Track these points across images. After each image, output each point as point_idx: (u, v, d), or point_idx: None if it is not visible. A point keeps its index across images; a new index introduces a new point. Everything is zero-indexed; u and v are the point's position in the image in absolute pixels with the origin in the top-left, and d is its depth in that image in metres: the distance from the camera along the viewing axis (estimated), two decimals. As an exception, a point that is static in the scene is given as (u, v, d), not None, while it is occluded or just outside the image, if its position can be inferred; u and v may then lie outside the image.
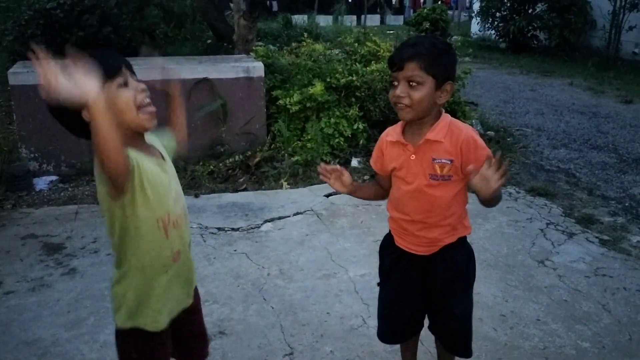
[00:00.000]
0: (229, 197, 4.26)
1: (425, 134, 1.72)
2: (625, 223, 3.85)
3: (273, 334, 2.55)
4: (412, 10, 23.51)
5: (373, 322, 2.61)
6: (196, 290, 1.73)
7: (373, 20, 22.09)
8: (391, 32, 13.10)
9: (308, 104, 4.82)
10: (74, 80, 1.18)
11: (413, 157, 1.75)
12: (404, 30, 11.84)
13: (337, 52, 5.65)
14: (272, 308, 2.76)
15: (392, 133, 1.83)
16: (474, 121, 5.70)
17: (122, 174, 1.32)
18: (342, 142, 4.85)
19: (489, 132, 5.82)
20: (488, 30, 14.07)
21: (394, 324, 2.00)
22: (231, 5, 7.79)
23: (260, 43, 6.59)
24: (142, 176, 1.41)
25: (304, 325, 2.62)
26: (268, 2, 11.56)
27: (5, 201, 4.09)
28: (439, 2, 19.34)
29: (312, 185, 4.45)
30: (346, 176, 1.88)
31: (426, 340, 2.27)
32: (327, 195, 4.19)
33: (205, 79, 4.77)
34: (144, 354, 1.58)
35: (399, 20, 24.56)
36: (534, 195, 4.32)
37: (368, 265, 3.13)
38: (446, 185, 1.74)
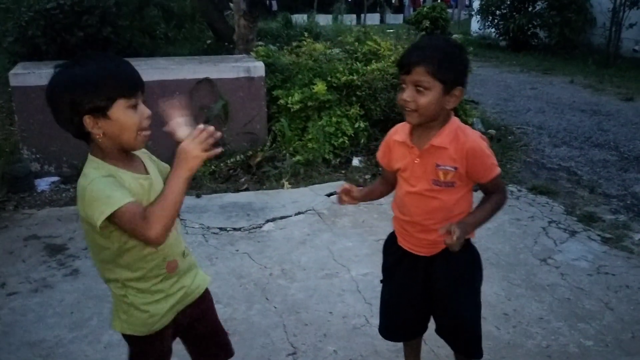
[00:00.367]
0: (231, 197, 4.26)
1: (431, 137, 1.70)
2: (627, 221, 3.85)
3: (276, 334, 2.55)
4: (411, 9, 23.47)
5: (376, 322, 2.60)
6: (207, 291, 1.72)
7: (373, 19, 22.05)
8: (391, 30, 13.07)
9: (309, 104, 4.83)
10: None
11: (417, 160, 1.73)
12: (403, 29, 11.80)
13: (337, 52, 5.64)
14: (275, 308, 2.76)
15: (400, 132, 1.81)
16: (474, 120, 5.69)
17: (157, 245, 1.35)
18: (345, 141, 4.85)
19: (490, 130, 5.81)
20: (488, 28, 14.05)
21: (395, 322, 2.00)
22: (231, 5, 7.79)
23: (260, 43, 6.59)
24: None
25: (307, 325, 2.62)
26: (268, 2, 11.53)
27: (7, 202, 4.09)
28: (439, 1, 19.32)
29: (313, 184, 4.44)
30: (355, 191, 1.88)
31: (430, 339, 2.27)
32: (329, 195, 4.19)
33: (207, 79, 4.77)
34: (144, 354, 1.60)
35: (398, 19, 24.50)
36: (536, 194, 4.32)
37: (370, 265, 3.13)
38: (449, 191, 1.72)
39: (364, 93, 5.01)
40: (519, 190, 4.39)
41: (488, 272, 3.05)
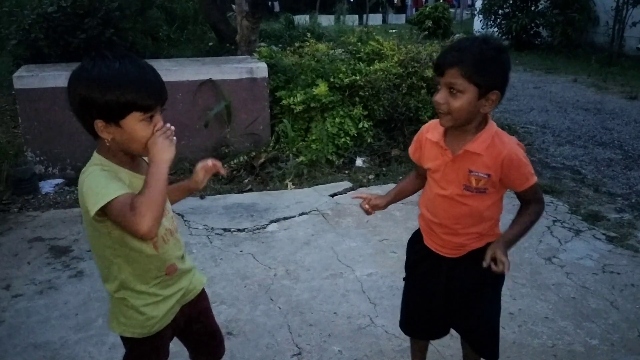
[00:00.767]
0: (234, 198, 4.26)
1: (466, 141, 1.65)
2: (632, 219, 3.83)
3: (281, 334, 2.55)
4: (414, 9, 23.48)
5: (380, 322, 2.62)
6: (203, 291, 1.73)
7: (375, 19, 22.06)
8: (393, 30, 13.08)
9: (312, 104, 4.82)
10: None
11: (450, 164, 1.69)
12: (406, 29, 11.82)
13: (340, 52, 5.64)
14: (280, 308, 2.76)
15: (433, 131, 1.74)
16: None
17: (149, 238, 1.33)
18: (348, 142, 4.85)
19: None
20: (491, 28, 14.03)
21: (414, 319, 1.99)
22: (233, 6, 7.80)
23: (263, 44, 6.60)
24: None
25: (312, 325, 2.62)
26: (270, 3, 11.56)
27: (12, 204, 4.10)
28: (441, 0, 19.32)
29: (317, 185, 4.44)
30: (373, 198, 1.88)
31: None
32: (332, 195, 4.19)
33: (210, 80, 4.78)
34: (141, 356, 1.60)
35: (401, 19, 24.53)
36: (540, 193, 4.30)
37: (374, 265, 3.12)
38: (480, 197, 1.69)
39: (367, 93, 5.01)
40: (523, 190, 4.37)
41: (493, 272, 3.06)
